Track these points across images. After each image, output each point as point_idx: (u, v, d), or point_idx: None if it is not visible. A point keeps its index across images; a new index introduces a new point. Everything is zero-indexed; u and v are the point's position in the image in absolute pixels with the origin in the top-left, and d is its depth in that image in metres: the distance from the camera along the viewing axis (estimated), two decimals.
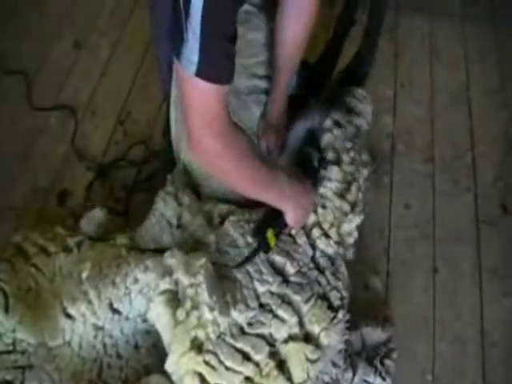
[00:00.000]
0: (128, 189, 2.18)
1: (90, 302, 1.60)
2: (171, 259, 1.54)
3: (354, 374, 1.67)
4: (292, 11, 1.73)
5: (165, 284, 1.53)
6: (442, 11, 2.88)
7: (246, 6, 1.85)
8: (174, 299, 1.52)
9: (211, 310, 1.45)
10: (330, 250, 1.69)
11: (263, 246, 1.60)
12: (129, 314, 1.61)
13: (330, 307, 1.57)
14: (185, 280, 1.49)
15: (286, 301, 1.54)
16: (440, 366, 1.86)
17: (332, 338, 1.53)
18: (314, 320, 1.52)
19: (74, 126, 2.37)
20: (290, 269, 1.60)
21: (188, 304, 1.48)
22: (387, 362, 1.74)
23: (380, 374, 1.71)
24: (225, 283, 1.53)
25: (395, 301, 1.97)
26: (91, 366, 1.60)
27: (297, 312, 1.53)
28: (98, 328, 1.62)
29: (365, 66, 2.11)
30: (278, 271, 1.61)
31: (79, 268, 1.68)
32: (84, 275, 1.65)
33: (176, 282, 1.53)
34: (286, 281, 1.58)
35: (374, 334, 1.80)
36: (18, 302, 1.64)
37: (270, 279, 1.56)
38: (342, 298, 1.62)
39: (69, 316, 1.62)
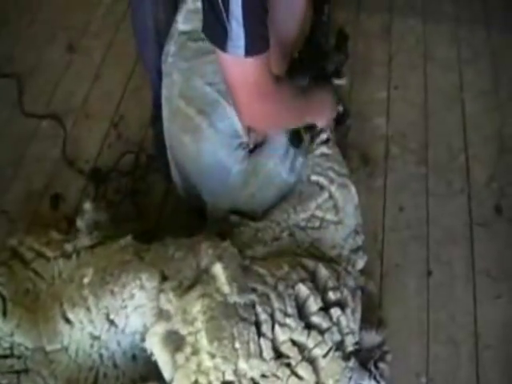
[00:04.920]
0: (121, 193, 2.18)
1: (88, 309, 1.58)
2: (167, 304, 1.52)
3: (350, 379, 1.66)
4: (281, 13, 1.75)
5: (161, 327, 1.50)
6: (436, 13, 2.88)
7: None
8: (171, 339, 1.48)
9: (212, 356, 1.41)
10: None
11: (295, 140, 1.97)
12: (125, 328, 1.59)
13: (343, 354, 1.57)
14: (183, 329, 1.47)
15: (305, 357, 1.50)
16: (434, 368, 1.86)
17: None
18: (329, 374, 1.50)
19: (64, 136, 2.36)
20: (313, 305, 1.58)
21: (188, 350, 1.44)
22: (381, 364, 1.73)
23: (374, 377, 1.69)
24: (238, 325, 1.47)
25: (389, 303, 1.97)
26: (87, 375, 1.58)
27: (316, 371, 1.50)
28: (94, 337, 1.60)
29: (322, 34, 2.23)
30: (301, 306, 1.59)
31: (81, 273, 1.66)
32: (85, 280, 1.63)
33: (172, 326, 1.50)
34: (308, 326, 1.55)
35: (368, 337, 1.79)
36: (16, 305, 1.63)
37: (293, 324, 1.52)
38: (355, 343, 1.61)
39: (68, 320, 1.60)
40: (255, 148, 1.99)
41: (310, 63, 2.09)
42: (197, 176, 1.96)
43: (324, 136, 2.04)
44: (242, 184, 1.94)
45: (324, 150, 2.02)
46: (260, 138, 1.98)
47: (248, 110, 1.58)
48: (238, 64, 1.45)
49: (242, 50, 1.40)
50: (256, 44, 1.42)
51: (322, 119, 1.99)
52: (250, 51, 1.41)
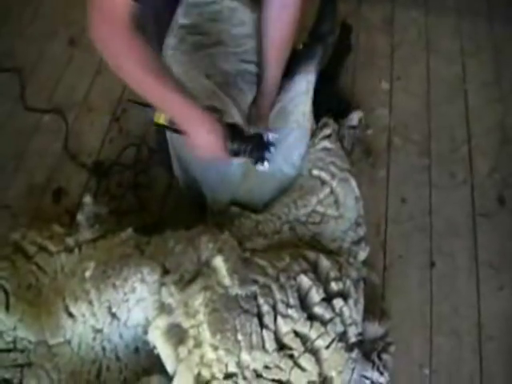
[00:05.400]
0: (124, 186, 2.18)
1: (90, 303, 1.59)
2: (169, 298, 1.52)
3: (353, 370, 1.66)
4: (275, 10, 1.74)
5: (163, 321, 1.50)
6: (438, 4, 2.88)
7: (229, 3, 1.88)
8: (173, 332, 1.49)
9: (215, 349, 1.41)
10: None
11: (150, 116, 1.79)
12: (127, 322, 1.59)
13: (346, 345, 1.56)
14: (185, 323, 1.47)
15: (308, 348, 1.50)
16: (437, 359, 1.87)
17: (344, 378, 1.53)
18: (332, 365, 1.50)
19: (66, 130, 2.36)
20: (315, 296, 1.58)
21: (190, 343, 1.45)
22: (384, 356, 1.74)
23: (378, 369, 1.70)
24: (240, 317, 1.47)
25: (392, 295, 1.98)
26: (90, 367, 1.59)
27: (319, 362, 1.50)
28: (96, 330, 1.60)
29: (327, 24, 2.16)
30: (303, 297, 1.59)
31: (83, 266, 1.67)
32: (87, 274, 1.63)
33: (174, 319, 1.50)
34: (310, 317, 1.55)
35: (371, 329, 1.80)
36: (18, 299, 1.64)
37: (295, 315, 1.52)
38: (358, 334, 1.61)
39: (70, 314, 1.61)
40: None
41: (313, 55, 2.08)
42: (197, 169, 1.96)
43: (327, 131, 2.03)
44: (241, 177, 1.95)
45: (326, 144, 2.02)
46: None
47: (92, 26, 1.49)
48: None
49: None
50: None
51: (192, 140, 1.71)
52: None
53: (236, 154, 1.76)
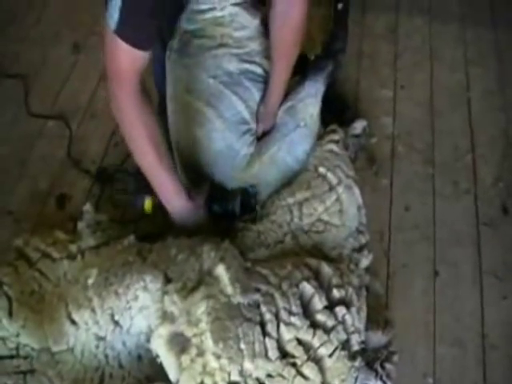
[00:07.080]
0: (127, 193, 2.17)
1: (93, 310, 1.59)
2: (171, 306, 1.52)
3: (356, 379, 1.65)
4: (279, 14, 1.77)
5: (165, 329, 1.49)
6: (442, 13, 2.88)
7: (231, 9, 1.89)
8: (176, 341, 1.48)
9: (217, 357, 1.40)
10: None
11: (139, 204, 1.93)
12: (130, 329, 1.59)
13: (349, 353, 1.56)
14: (188, 331, 1.46)
15: (311, 356, 1.50)
16: (441, 368, 1.85)
17: None
18: (335, 374, 1.50)
19: (69, 137, 2.37)
20: (318, 303, 1.58)
21: (193, 351, 1.44)
22: (388, 365, 1.72)
23: (381, 378, 1.69)
24: (243, 326, 1.47)
25: (395, 304, 1.97)
26: (93, 375, 1.59)
27: (322, 370, 1.49)
28: (99, 338, 1.60)
29: (339, 43, 2.23)
30: (306, 304, 1.58)
31: (85, 273, 1.67)
32: (90, 281, 1.64)
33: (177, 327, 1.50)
34: (313, 325, 1.54)
35: (375, 338, 1.78)
36: (21, 305, 1.64)
37: (298, 323, 1.52)
38: (360, 343, 1.61)
39: (73, 322, 1.61)
40: (263, 135, 2.05)
41: (324, 67, 2.11)
42: (207, 166, 2.00)
43: (335, 137, 2.05)
44: (246, 165, 2.00)
45: (333, 147, 2.05)
46: (268, 127, 2.04)
47: (110, 98, 1.64)
48: (110, 38, 1.47)
49: (114, 24, 1.43)
50: (129, 26, 1.44)
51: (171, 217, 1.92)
52: (119, 30, 1.43)
53: (219, 214, 1.93)
